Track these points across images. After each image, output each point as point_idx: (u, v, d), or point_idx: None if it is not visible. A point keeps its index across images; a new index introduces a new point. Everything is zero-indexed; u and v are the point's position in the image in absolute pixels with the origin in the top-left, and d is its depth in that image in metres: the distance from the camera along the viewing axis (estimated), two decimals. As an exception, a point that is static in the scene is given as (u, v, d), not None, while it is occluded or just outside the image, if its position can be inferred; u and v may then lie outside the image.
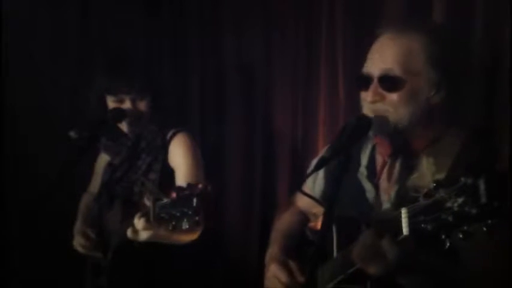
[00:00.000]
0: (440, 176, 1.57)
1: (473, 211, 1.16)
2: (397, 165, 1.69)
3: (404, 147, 1.68)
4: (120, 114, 2.25)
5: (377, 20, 2.37)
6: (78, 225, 2.46)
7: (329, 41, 2.55)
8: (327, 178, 1.92)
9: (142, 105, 2.27)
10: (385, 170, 1.73)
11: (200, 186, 1.64)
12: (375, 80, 1.63)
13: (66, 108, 2.99)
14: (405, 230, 1.32)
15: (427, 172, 1.63)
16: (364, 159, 1.80)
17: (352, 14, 2.46)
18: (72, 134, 2.19)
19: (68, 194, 2.37)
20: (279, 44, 2.80)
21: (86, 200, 2.58)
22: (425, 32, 1.63)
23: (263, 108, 2.89)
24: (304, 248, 1.95)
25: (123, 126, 2.31)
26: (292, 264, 1.81)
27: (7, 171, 2.86)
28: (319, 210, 2.05)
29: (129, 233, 1.86)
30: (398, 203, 1.64)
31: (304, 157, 2.75)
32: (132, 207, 2.10)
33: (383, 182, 1.73)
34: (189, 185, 1.66)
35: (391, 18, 2.25)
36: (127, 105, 2.25)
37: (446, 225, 1.22)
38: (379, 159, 1.76)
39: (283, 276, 1.78)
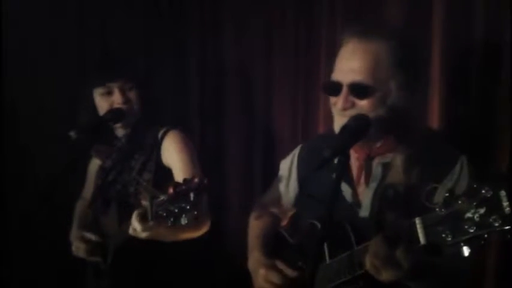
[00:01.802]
0: (414, 170, 1.64)
1: (497, 221, 1.21)
2: (374, 166, 1.74)
3: (377, 149, 1.72)
4: (119, 114, 2.24)
5: (377, 20, 2.37)
6: (73, 233, 2.46)
7: (329, 41, 2.55)
8: (300, 180, 1.96)
9: (131, 95, 2.26)
10: (363, 173, 1.76)
11: (196, 180, 1.64)
12: (345, 88, 1.66)
13: (66, 108, 2.99)
14: (422, 240, 1.35)
15: (400, 169, 1.68)
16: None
17: (352, 14, 2.46)
18: (72, 134, 2.19)
19: (68, 194, 2.37)
20: (279, 44, 2.80)
21: (80, 207, 2.57)
22: (389, 36, 1.66)
23: (263, 108, 2.89)
24: (282, 248, 1.97)
25: (114, 127, 2.30)
26: (279, 264, 1.84)
27: (7, 171, 2.86)
28: (291, 211, 2.09)
29: (130, 230, 1.86)
30: (378, 202, 1.69)
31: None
32: (128, 209, 2.10)
33: (362, 184, 1.77)
34: (185, 180, 1.66)
35: (391, 18, 2.25)
36: (116, 95, 2.23)
37: (467, 235, 1.26)
38: (355, 163, 1.79)
39: (276, 278, 1.80)
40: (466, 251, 1.27)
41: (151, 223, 1.76)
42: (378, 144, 1.73)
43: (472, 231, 1.24)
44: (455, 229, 1.27)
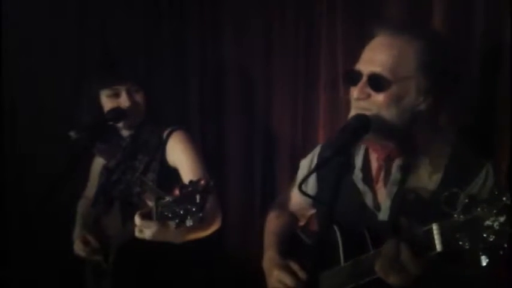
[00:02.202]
0: (436, 175, 1.61)
1: None
2: (394, 168, 1.70)
3: (398, 150, 1.69)
4: (119, 114, 2.25)
5: (377, 20, 2.37)
6: (77, 231, 2.46)
7: (329, 41, 2.55)
8: (320, 181, 1.92)
9: (138, 97, 2.26)
10: (382, 174, 1.73)
11: (203, 182, 1.64)
12: (364, 78, 1.64)
13: (66, 108, 2.99)
14: (439, 247, 1.33)
15: (424, 172, 1.65)
16: (359, 162, 1.80)
17: (352, 14, 2.46)
18: (72, 134, 2.19)
19: (68, 195, 2.37)
20: (279, 44, 2.80)
21: (82, 206, 2.57)
22: (421, 38, 1.63)
23: (263, 108, 2.89)
24: (298, 248, 1.96)
25: (119, 127, 2.30)
26: (293, 265, 1.81)
27: (7, 171, 2.86)
28: (310, 211, 2.06)
29: (137, 232, 1.86)
30: (397, 206, 1.66)
31: (304, 157, 2.75)
32: (131, 209, 2.10)
33: (380, 186, 1.74)
34: (191, 181, 1.66)
35: (391, 18, 2.25)
36: (123, 98, 2.23)
37: (486, 243, 1.23)
38: (374, 163, 1.77)
39: (289, 280, 1.77)
40: (484, 260, 1.24)
41: (156, 222, 1.76)
42: (398, 146, 1.68)
43: (491, 240, 1.21)
44: (474, 237, 1.24)
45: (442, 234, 1.31)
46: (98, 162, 2.48)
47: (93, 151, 2.41)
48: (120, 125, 2.28)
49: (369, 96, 1.63)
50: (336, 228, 1.68)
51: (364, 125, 1.59)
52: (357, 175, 1.78)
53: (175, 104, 2.96)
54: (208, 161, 2.35)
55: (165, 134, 2.30)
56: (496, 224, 1.21)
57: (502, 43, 1.91)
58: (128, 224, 1.96)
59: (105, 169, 2.39)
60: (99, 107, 2.28)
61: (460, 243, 1.27)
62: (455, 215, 1.29)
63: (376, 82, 1.61)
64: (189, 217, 1.62)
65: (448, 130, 1.71)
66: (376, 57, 1.63)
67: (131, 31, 3.01)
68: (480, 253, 1.24)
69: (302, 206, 2.07)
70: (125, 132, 2.33)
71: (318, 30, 2.60)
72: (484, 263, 1.24)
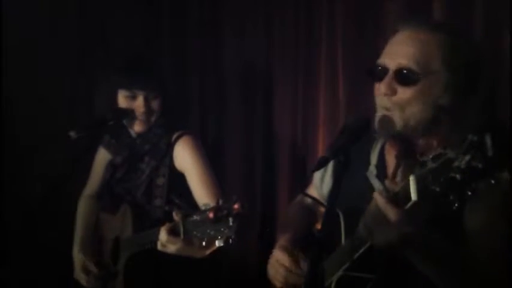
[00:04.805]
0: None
1: (480, 165, 1.18)
2: (412, 165, 1.62)
3: (418, 147, 1.65)
4: (120, 114, 2.24)
5: (377, 20, 2.37)
6: (77, 241, 2.44)
7: (329, 41, 2.55)
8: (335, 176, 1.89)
9: (154, 104, 2.25)
10: (400, 172, 1.69)
11: (237, 206, 1.65)
12: (390, 73, 1.60)
13: (66, 108, 2.99)
14: (413, 196, 1.32)
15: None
16: (374, 158, 1.78)
17: (352, 14, 2.46)
18: (72, 134, 2.19)
19: (68, 195, 2.37)
20: (279, 44, 2.80)
21: (82, 206, 2.54)
22: (444, 32, 1.60)
23: (263, 108, 2.89)
24: (308, 241, 1.93)
25: (130, 126, 2.30)
26: (298, 252, 1.77)
27: (7, 171, 2.86)
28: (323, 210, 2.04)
29: (159, 245, 1.87)
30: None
31: (304, 157, 2.75)
32: (143, 217, 2.16)
33: (397, 183, 1.68)
34: (225, 204, 1.67)
35: (391, 18, 2.25)
36: (139, 102, 2.23)
37: (454, 184, 1.23)
38: (391, 160, 1.73)
39: (287, 261, 1.74)
40: (455, 203, 1.24)
41: (180, 240, 1.77)
42: (419, 142, 1.65)
43: (458, 179, 1.21)
44: (443, 180, 1.24)
45: (418, 184, 1.31)
46: (103, 158, 2.46)
47: (99, 144, 2.40)
48: (132, 124, 2.28)
49: (394, 92, 1.59)
50: (340, 213, 1.67)
51: (364, 125, 1.59)
52: (371, 171, 1.76)
53: (175, 104, 2.96)
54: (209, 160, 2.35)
55: (173, 138, 2.29)
56: (462, 163, 1.21)
57: (502, 43, 1.91)
58: (143, 234, 1.97)
59: (111, 165, 2.38)
60: (115, 103, 2.27)
61: (432, 187, 1.27)
62: (428, 163, 1.29)
63: (405, 76, 1.58)
64: (219, 237, 1.63)
65: (465, 128, 1.67)
66: (402, 50, 1.60)
67: (131, 31, 3.02)
68: (451, 196, 1.25)
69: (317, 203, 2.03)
70: (134, 132, 2.32)
71: (318, 30, 2.60)
72: (455, 206, 1.25)
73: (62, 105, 2.98)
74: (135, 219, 2.19)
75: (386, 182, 1.64)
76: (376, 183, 1.73)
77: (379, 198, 1.40)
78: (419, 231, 1.39)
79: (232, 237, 1.64)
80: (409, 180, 1.33)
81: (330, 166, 1.88)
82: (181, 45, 3.08)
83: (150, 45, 3.06)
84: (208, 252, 1.97)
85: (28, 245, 2.82)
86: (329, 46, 2.55)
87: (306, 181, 2.51)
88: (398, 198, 1.38)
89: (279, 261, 1.77)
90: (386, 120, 1.60)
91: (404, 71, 1.57)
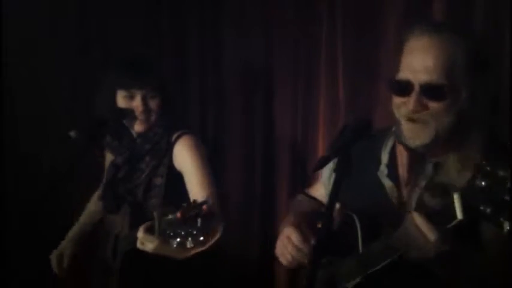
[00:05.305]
0: (467, 173, 1.52)
1: None
2: (425, 166, 1.64)
3: (432, 150, 1.62)
4: (120, 114, 2.24)
5: (377, 21, 2.38)
6: (73, 232, 2.51)
7: (329, 41, 2.56)
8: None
9: (152, 104, 2.25)
10: (412, 173, 1.67)
11: (205, 207, 1.64)
12: (417, 88, 1.54)
13: (66, 108, 2.99)
14: (459, 215, 1.28)
15: (452, 169, 1.59)
16: (385, 158, 1.75)
17: (352, 14, 2.46)
18: (72, 134, 2.19)
19: (69, 195, 2.37)
20: (279, 44, 2.80)
21: (93, 204, 2.57)
22: (459, 34, 1.55)
23: (263, 108, 2.89)
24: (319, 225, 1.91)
25: (131, 126, 2.30)
26: (308, 230, 1.70)
27: (7, 171, 2.86)
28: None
29: (138, 243, 1.87)
30: (424, 200, 1.60)
31: (304, 157, 2.76)
32: (139, 215, 2.13)
33: (407, 183, 1.68)
34: (195, 204, 1.66)
35: (391, 18, 2.26)
36: (137, 101, 2.23)
37: (505, 205, 1.18)
38: (401, 160, 1.71)
39: (295, 236, 1.67)
40: (506, 226, 1.19)
41: (156, 238, 1.77)
42: (434, 146, 1.61)
43: (508, 200, 1.16)
44: (495, 200, 1.19)
45: (463, 201, 1.26)
46: (109, 158, 2.47)
47: (90, 151, 2.40)
48: (132, 124, 2.28)
49: (426, 107, 1.54)
50: (354, 216, 1.63)
51: (364, 125, 1.58)
52: (382, 171, 1.73)
53: (176, 103, 2.96)
54: (208, 160, 2.35)
55: (173, 137, 2.29)
56: None
57: (502, 43, 1.92)
58: (135, 230, 1.97)
59: (113, 165, 2.38)
60: (114, 103, 2.27)
61: (482, 208, 1.22)
62: (477, 181, 1.24)
63: (435, 92, 1.52)
64: (190, 239, 1.64)
65: (478, 129, 1.62)
66: (424, 63, 1.52)
67: (131, 31, 3.02)
68: (501, 218, 1.20)
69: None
70: (135, 132, 2.33)
71: (318, 30, 2.61)
72: (506, 229, 1.19)
73: (62, 105, 2.98)
74: (132, 218, 2.19)
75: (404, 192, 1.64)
76: (387, 183, 1.71)
77: (417, 218, 1.37)
78: (457, 250, 1.38)
79: (201, 238, 1.63)
80: (452, 197, 1.29)
81: None
82: (181, 45, 3.08)
83: (150, 45, 3.05)
84: (185, 254, 1.98)
85: (28, 245, 2.82)
86: (329, 46, 2.56)
87: (307, 181, 2.53)
88: (439, 216, 1.35)
89: (288, 236, 1.70)
90: (416, 131, 1.57)
91: (434, 87, 1.52)
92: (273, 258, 2.71)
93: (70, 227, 2.53)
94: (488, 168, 1.22)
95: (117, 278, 2.22)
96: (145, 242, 1.84)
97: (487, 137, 1.60)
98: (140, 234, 1.84)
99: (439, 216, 1.35)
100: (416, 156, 1.65)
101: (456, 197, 1.29)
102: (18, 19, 2.90)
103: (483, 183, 1.23)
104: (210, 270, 2.33)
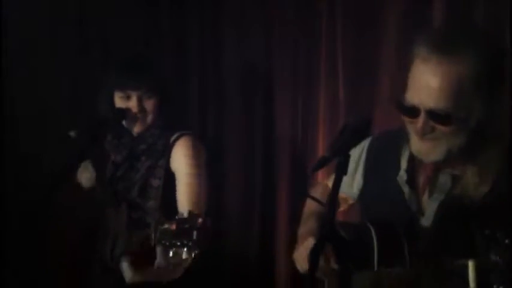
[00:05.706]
0: (484, 187, 1.54)
1: None
2: (442, 177, 1.64)
3: (449, 162, 1.61)
4: (121, 114, 2.24)
5: (377, 20, 2.38)
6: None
7: (329, 41, 2.56)
8: (366, 176, 1.84)
9: (148, 104, 2.25)
10: (429, 180, 1.67)
11: (200, 220, 1.67)
12: (423, 113, 1.53)
13: (66, 108, 2.99)
14: (472, 285, 1.29)
15: (470, 182, 1.58)
16: (404, 163, 1.72)
17: (352, 14, 2.46)
18: (72, 134, 2.19)
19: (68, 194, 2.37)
20: (279, 44, 2.80)
21: None
22: (473, 49, 1.50)
23: (263, 108, 2.89)
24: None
25: (129, 126, 2.30)
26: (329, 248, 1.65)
27: (7, 171, 2.86)
28: (349, 200, 1.97)
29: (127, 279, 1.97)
30: (441, 213, 1.61)
31: (304, 157, 2.75)
32: (136, 214, 2.17)
33: (426, 190, 1.67)
34: (190, 216, 1.69)
35: (391, 18, 2.26)
36: (132, 102, 2.23)
37: None
38: (421, 172, 1.69)
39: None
40: None
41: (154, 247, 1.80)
42: (449, 159, 1.60)
43: None
44: (507, 279, 1.21)
45: (477, 272, 1.28)
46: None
47: (90, 151, 2.40)
48: (129, 123, 2.28)
49: (434, 129, 1.53)
50: (371, 228, 1.60)
51: (365, 125, 1.57)
52: (402, 176, 1.71)
53: (175, 104, 2.96)
54: (208, 161, 2.35)
55: (172, 139, 2.29)
56: None
57: (502, 43, 1.91)
58: (133, 233, 1.98)
59: (112, 164, 2.39)
60: (112, 104, 2.28)
61: (495, 286, 1.24)
62: (492, 255, 1.25)
63: (439, 118, 1.51)
64: (184, 250, 1.66)
65: (495, 141, 1.61)
66: (429, 88, 1.50)
67: (131, 31, 3.01)
68: None
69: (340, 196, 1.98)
70: (135, 132, 2.33)
71: (318, 30, 2.61)
72: None
73: (62, 105, 2.97)
74: (129, 218, 2.19)
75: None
76: (406, 189, 1.69)
77: None
78: None
79: (196, 251, 1.66)
80: (467, 262, 1.30)
81: (362, 164, 1.84)
82: (181, 45, 3.08)
83: (150, 45, 3.05)
84: (182, 268, 2.00)
85: (28, 245, 2.82)
86: (329, 46, 2.56)
87: (307, 181, 2.53)
88: (452, 277, 1.37)
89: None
90: (428, 148, 1.56)
91: (438, 114, 1.51)
92: (273, 258, 2.74)
93: (70, 227, 2.52)
94: (507, 242, 1.23)
95: (117, 278, 2.22)
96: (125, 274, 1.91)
97: (505, 149, 1.58)
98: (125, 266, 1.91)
99: (453, 279, 1.37)
100: (434, 166, 1.64)
101: (471, 266, 1.29)
102: (18, 19, 2.89)
103: (498, 258, 1.25)
104: (210, 270, 2.33)
